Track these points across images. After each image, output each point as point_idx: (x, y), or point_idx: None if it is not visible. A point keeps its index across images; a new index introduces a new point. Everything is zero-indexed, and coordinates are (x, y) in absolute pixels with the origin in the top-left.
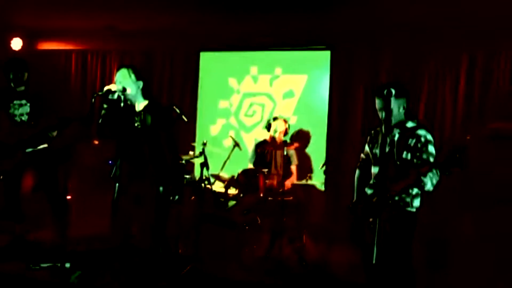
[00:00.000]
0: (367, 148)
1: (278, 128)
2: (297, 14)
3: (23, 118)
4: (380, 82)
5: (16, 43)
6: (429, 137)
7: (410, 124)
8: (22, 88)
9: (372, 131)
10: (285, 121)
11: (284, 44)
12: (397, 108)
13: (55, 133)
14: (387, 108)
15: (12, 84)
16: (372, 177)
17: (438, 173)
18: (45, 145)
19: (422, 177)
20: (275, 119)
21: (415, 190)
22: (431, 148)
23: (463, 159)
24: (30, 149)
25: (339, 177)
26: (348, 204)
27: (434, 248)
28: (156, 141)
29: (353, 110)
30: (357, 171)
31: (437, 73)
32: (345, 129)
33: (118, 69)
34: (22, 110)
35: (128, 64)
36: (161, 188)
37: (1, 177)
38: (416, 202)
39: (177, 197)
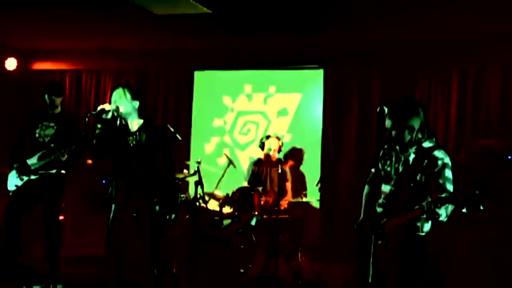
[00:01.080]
0: (379, 164)
1: (272, 146)
2: (290, 33)
3: (46, 140)
4: (373, 100)
5: (11, 63)
6: (447, 160)
7: (427, 144)
8: (57, 110)
9: (386, 146)
10: (278, 139)
11: (277, 63)
12: (415, 126)
13: (64, 158)
14: (406, 127)
15: (48, 109)
16: (382, 196)
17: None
18: (61, 171)
19: (436, 209)
20: (268, 137)
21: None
22: (448, 173)
23: (483, 196)
24: (42, 171)
25: (335, 195)
26: (354, 221)
27: (429, 264)
28: (152, 160)
29: (347, 128)
30: (367, 187)
31: (429, 90)
32: (339, 146)
33: (114, 89)
34: (48, 132)
35: (125, 84)
36: (157, 207)
37: (11, 193)
38: (427, 227)
39: (173, 216)
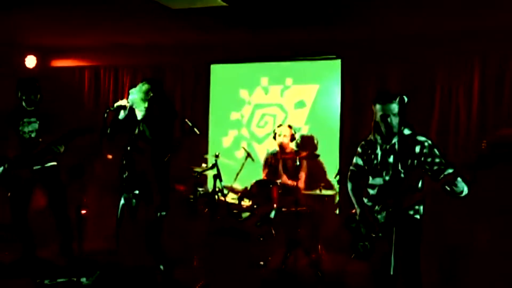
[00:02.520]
0: (359, 161)
1: (283, 132)
2: (306, 26)
3: (32, 135)
4: (391, 90)
5: (30, 61)
6: (430, 141)
7: (407, 132)
8: (33, 107)
9: (363, 142)
10: (290, 127)
11: (294, 54)
12: (399, 115)
13: (62, 149)
14: (395, 115)
15: (24, 104)
16: (372, 189)
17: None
18: (54, 163)
19: (458, 182)
20: (279, 126)
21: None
22: (437, 151)
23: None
24: (38, 166)
25: None
26: (350, 217)
27: (447, 258)
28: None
29: (365, 119)
30: (350, 184)
31: (449, 80)
32: (357, 138)
33: (142, 80)
34: (31, 127)
35: (154, 81)
36: (150, 203)
37: (9, 194)
38: (422, 209)
39: (163, 213)
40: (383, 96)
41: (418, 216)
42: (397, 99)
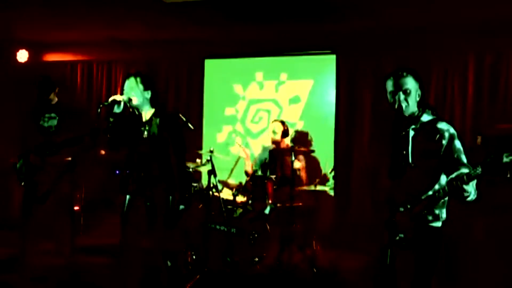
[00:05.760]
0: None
1: (276, 129)
2: (301, 19)
3: (50, 130)
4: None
5: (22, 55)
6: (453, 130)
7: (426, 118)
8: (54, 101)
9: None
10: (282, 123)
11: (289, 49)
12: (414, 93)
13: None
14: (409, 94)
15: (43, 101)
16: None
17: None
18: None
19: (464, 186)
20: (273, 122)
21: (443, 200)
22: (458, 144)
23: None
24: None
25: (349, 182)
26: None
27: (443, 255)
28: (164, 150)
29: (361, 113)
30: None
31: (445, 74)
32: (353, 133)
33: (126, 78)
34: (51, 122)
35: (137, 72)
36: (170, 198)
37: (23, 184)
38: (444, 214)
39: (183, 206)
40: (396, 70)
41: (438, 224)
42: (413, 73)
